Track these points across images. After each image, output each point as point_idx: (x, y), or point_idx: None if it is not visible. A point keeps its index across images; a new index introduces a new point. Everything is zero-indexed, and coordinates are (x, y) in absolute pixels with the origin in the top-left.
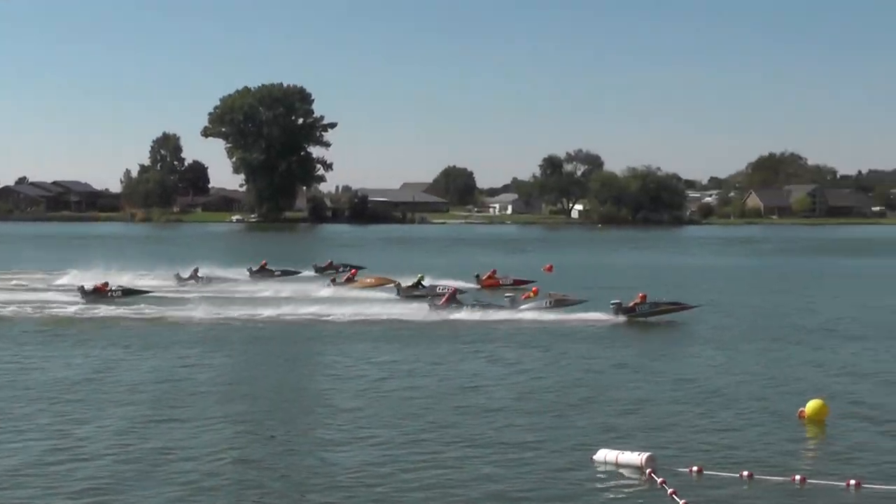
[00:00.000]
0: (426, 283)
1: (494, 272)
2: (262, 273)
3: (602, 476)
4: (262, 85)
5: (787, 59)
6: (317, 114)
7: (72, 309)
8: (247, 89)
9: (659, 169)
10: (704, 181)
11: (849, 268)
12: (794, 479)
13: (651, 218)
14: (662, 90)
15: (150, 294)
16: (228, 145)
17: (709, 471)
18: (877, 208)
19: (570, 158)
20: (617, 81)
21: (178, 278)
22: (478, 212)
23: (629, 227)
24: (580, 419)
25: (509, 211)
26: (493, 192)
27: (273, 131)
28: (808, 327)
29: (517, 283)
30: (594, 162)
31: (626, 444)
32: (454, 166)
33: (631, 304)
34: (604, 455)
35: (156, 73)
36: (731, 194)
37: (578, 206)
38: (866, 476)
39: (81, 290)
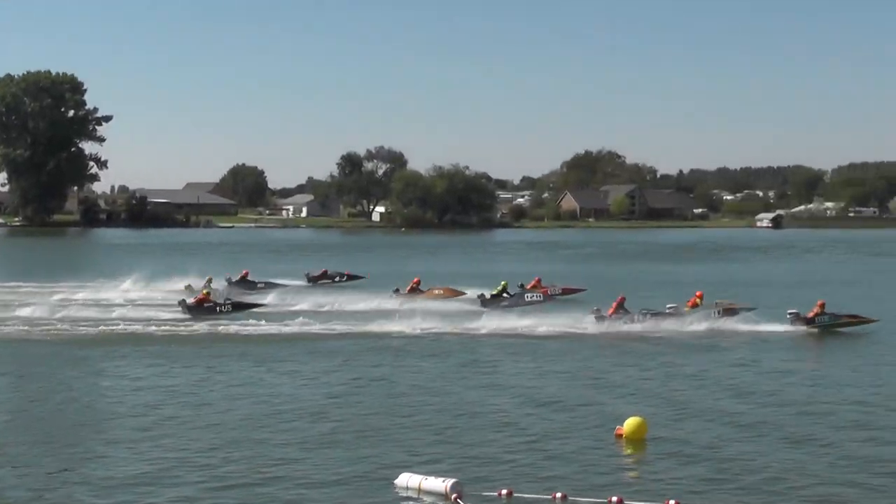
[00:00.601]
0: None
1: (539, 280)
2: (244, 284)
3: None
4: (28, 72)
5: (601, 53)
6: (90, 106)
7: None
8: (9, 77)
9: (467, 168)
10: (516, 181)
11: (669, 274)
12: (609, 501)
13: (459, 221)
14: (470, 84)
15: (262, 308)
16: None
17: (519, 493)
18: (699, 210)
19: (370, 156)
20: (423, 74)
21: (191, 290)
22: (270, 214)
23: (435, 230)
24: (385, 443)
25: (304, 213)
26: (286, 193)
27: (39, 125)
28: (626, 340)
29: (566, 291)
30: (397, 160)
31: (432, 469)
32: (243, 164)
33: (810, 313)
34: (406, 480)
35: None
36: (545, 195)
37: (380, 209)
38: (684, 495)
39: (182, 304)
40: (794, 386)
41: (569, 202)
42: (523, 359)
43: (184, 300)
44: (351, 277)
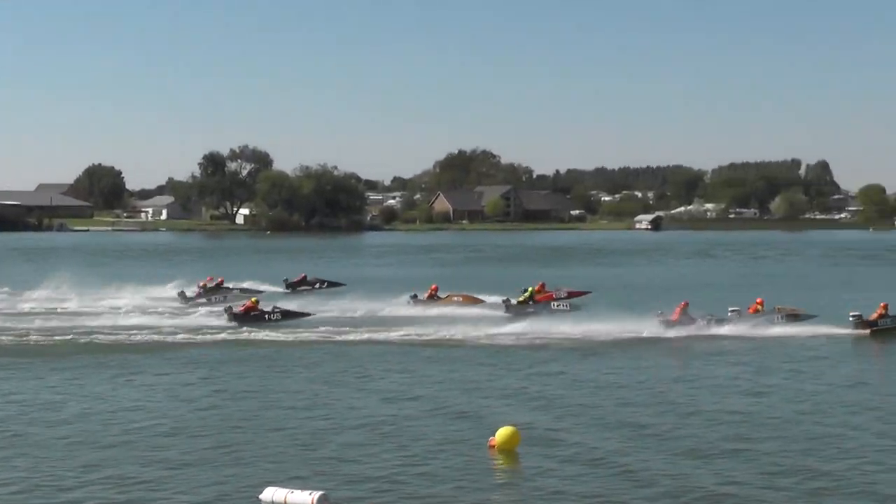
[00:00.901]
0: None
1: (544, 285)
2: (219, 291)
3: None
4: None
5: (473, 50)
6: None
7: None
8: None
9: (336, 168)
10: (387, 182)
11: (557, 279)
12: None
13: (327, 223)
14: (338, 80)
15: (313, 316)
16: None
17: None
18: (576, 212)
19: (234, 156)
20: (284, 71)
21: (183, 297)
22: (128, 217)
23: (302, 233)
24: (251, 458)
25: (164, 216)
26: (145, 195)
27: None
28: (499, 348)
29: (572, 294)
30: (262, 160)
31: (299, 484)
32: (100, 164)
33: (874, 316)
34: (271, 494)
35: None
36: (417, 196)
37: (244, 211)
38: None
39: (228, 311)
40: (679, 391)
41: (442, 203)
42: (397, 367)
43: (230, 307)
44: (331, 284)
